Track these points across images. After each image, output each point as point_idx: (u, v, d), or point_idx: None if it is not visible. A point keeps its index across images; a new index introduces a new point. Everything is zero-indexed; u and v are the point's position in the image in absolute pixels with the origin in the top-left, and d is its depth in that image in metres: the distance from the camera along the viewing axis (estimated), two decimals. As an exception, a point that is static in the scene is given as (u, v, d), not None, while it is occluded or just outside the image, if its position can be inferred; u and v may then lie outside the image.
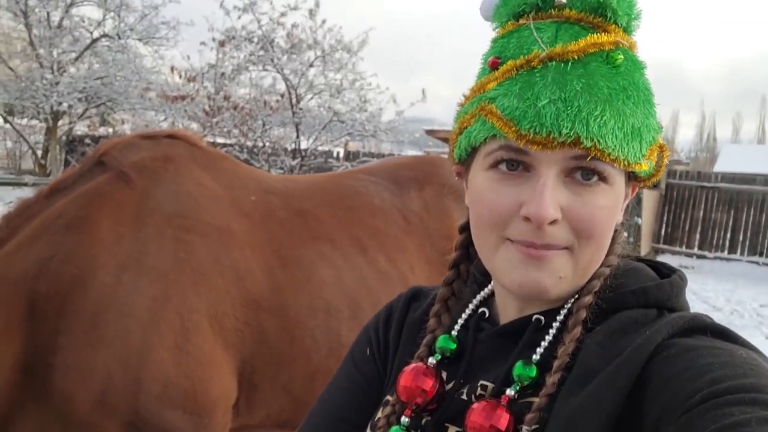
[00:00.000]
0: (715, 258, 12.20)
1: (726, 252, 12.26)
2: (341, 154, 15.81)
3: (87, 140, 17.10)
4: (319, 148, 14.93)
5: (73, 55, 14.48)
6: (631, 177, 0.72)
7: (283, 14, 13.55)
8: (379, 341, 0.88)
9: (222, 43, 13.54)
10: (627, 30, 0.70)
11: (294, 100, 13.89)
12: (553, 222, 0.65)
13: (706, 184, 12.52)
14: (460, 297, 0.84)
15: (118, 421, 1.57)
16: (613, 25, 0.68)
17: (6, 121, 15.50)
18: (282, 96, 14.22)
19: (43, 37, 13.90)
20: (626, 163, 0.66)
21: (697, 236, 12.55)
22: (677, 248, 12.65)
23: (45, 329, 1.55)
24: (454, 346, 0.77)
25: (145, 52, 15.31)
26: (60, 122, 15.18)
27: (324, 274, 1.93)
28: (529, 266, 0.67)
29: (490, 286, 0.82)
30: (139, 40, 14.76)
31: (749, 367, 0.56)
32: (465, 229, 0.83)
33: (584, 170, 0.66)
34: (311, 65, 14.05)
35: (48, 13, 14.11)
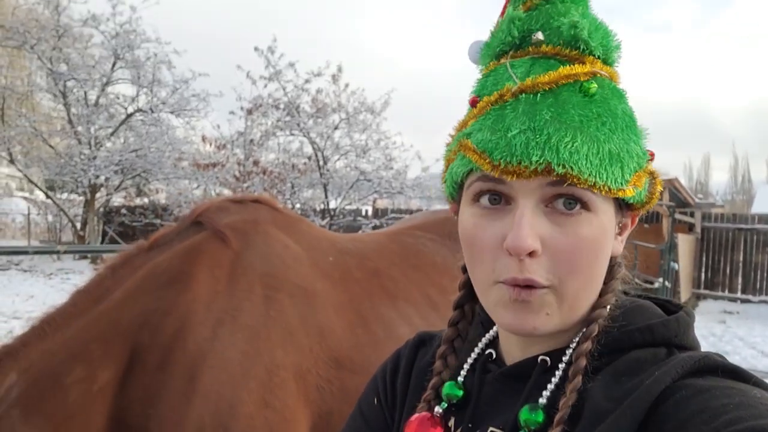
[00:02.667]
0: (761, 302, 11.78)
1: (771, 295, 11.83)
2: (369, 212, 15.93)
3: (123, 210, 17.63)
4: (347, 207, 15.10)
5: (110, 130, 15.11)
6: (623, 205, 0.70)
7: (307, 81, 14.03)
8: (386, 390, 0.86)
9: (250, 111, 13.99)
10: (606, 61, 0.70)
11: (321, 162, 14.18)
12: (533, 254, 0.64)
13: (743, 226, 12.23)
14: (466, 337, 0.82)
15: None
16: (590, 57, 0.68)
17: (48, 196, 16.10)
18: (309, 158, 14.53)
19: (81, 115, 14.56)
20: (607, 188, 0.64)
21: (740, 280, 12.18)
22: (719, 293, 12.26)
23: (145, 380, 1.58)
24: (460, 393, 0.75)
25: (177, 124, 15.92)
26: (97, 194, 15.72)
27: (402, 332, 1.96)
28: (517, 308, 0.66)
29: (496, 327, 0.80)
30: (171, 112, 15.35)
31: (765, 408, 0.54)
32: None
33: (566, 198, 0.64)
34: (336, 128, 14.40)
35: (85, 93, 14.84)
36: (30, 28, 13.86)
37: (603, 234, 0.67)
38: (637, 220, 0.74)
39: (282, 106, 14.00)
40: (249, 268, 1.79)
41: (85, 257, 15.69)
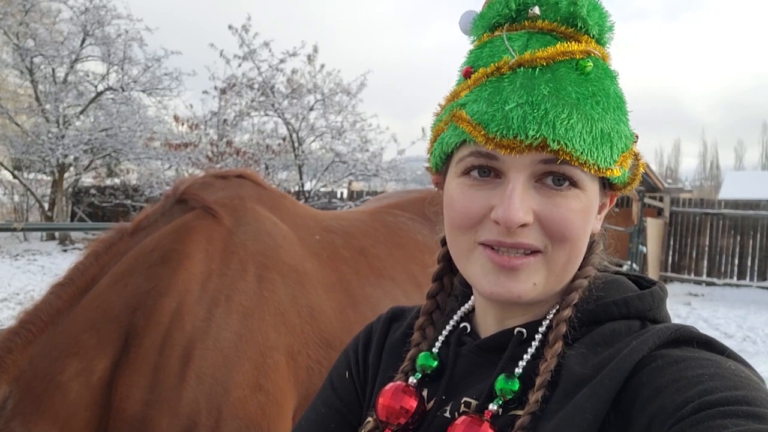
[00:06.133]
0: (725, 285, 12.11)
1: (735, 278, 12.19)
2: (345, 195, 15.90)
3: (93, 191, 17.31)
4: (322, 189, 15.04)
5: (79, 108, 14.73)
6: (607, 185, 0.72)
7: (282, 61, 13.86)
8: (358, 363, 0.87)
9: (224, 91, 13.79)
10: (599, 41, 0.71)
11: (296, 144, 14.06)
12: (524, 225, 0.65)
13: (710, 210, 12.52)
14: (445, 309, 0.83)
15: None
16: (585, 36, 0.69)
17: (14, 176, 15.68)
18: (284, 140, 14.40)
19: (48, 93, 14.16)
20: (597, 167, 0.65)
21: (705, 263, 12.49)
22: (686, 276, 12.57)
23: (143, 365, 1.52)
24: (434, 363, 0.76)
25: (148, 103, 15.63)
26: (66, 174, 15.36)
27: None
28: (500, 275, 0.66)
29: (471, 301, 0.81)
30: (143, 91, 15.04)
31: (739, 380, 0.56)
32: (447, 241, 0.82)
33: (555, 175, 0.66)
34: (312, 109, 14.28)
35: (53, 69, 14.41)
36: (-5, 2, 13.42)
37: (590, 209, 0.68)
38: (615, 200, 0.76)
39: (256, 86, 13.82)
40: (241, 246, 1.75)
41: (53, 238, 15.39)
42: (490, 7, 0.73)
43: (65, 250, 14.02)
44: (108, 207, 16.64)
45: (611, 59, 0.73)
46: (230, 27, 13.34)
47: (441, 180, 0.76)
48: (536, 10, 0.69)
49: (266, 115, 14.48)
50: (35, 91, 14.38)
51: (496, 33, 0.71)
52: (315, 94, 14.18)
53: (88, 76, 14.97)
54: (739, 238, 12.19)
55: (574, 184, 0.66)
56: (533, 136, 0.62)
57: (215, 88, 13.83)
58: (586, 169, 0.65)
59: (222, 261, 1.70)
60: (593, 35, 0.70)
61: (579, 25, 0.69)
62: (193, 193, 1.82)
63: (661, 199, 12.98)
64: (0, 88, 15.24)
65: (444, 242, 0.83)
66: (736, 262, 12.19)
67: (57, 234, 15.24)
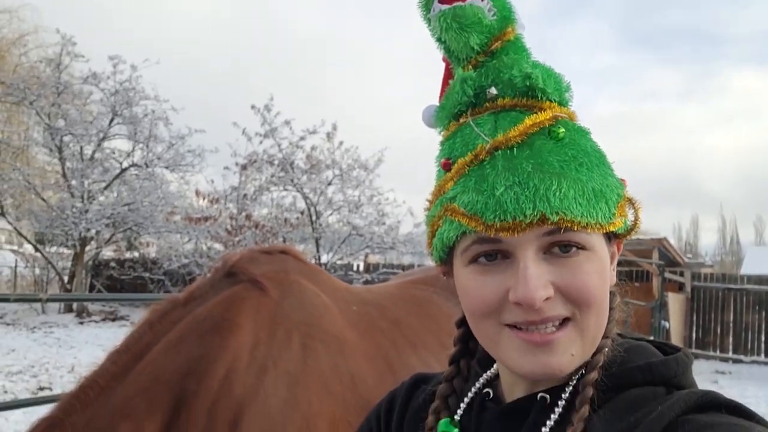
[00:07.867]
0: (752, 362, 11.72)
1: (763, 355, 11.79)
2: (361, 267, 15.90)
3: (112, 264, 17.51)
4: (339, 262, 15.07)
5: (103, 184, 15.12)
6: (611, 235, 0.71)
7: (302, 138, 14.25)
8: (380, 429, 0.86)
9: (244, 167, 14.13)
10: (562, 103, 0.72)
11: (314, 217, 14.24)
12: (547, 299, 0.64)
13: (733, 286, 12.30)
14: (468, 376, 0.82)
15: None
16: (548, 102, 0.70)
17: (36, 249, 15.97)
18: (302, 213, 14.59)
19: (75, 169, 14.60)
20: (598, 226, 0.65)
21: (731, 339, 12.15)
22: (711, 353, 12.21)
23: (192, 429, 1.55)
24: (455, 430, 0.75)
25: (171, 179, 16.00)
26: (87, 248, 15.60)
27: None
28: (537, 352, 0.65)
29: (494, 368, 0.80)
30: (166, 167, 15.44)
31: None
32: (463, 323, 0.82)
33: (561, 244, 0.65)
34: (330, 183, 14.55)
35: (81, 147, 14.90)
36: (30, 85, 14.05)
37: (604, 268, 0.68)
38: (622, 246, 0.75)
39: (276, 162, 14.16)
40: (286, 317, 1.83)
41: (71, 310, 15.45)
42: (447, 98, 0.74)
43: (81, 323, 14.04)
44: (126, 279, 16.79)
45: (577, 117, 0.74)
46: (253, 107, 13.85)
47: (448, 269, 0.76)
48: (493, 90, 0.70)
49: (285, 189, 14.77)
50: (63, 168, 14.84)
51: (462, 120, 0.72)
52: (333, 169, 14.49)
53: (114, 153, 15.46)
54: (764, 314, 11.89)
55: (581, 247, 0.66)
56: (531, 214, 0.63)
57: (236, 164, 14.21)
58: (589, 231, 0.65)
59: (269, 330, 1.77)
60: (554, 100, 0.71)
61: (539, 95, 0.70)
62: (242, 267, 1.92)
63: (681, 274, 12.80)
64: (29, 165, 15.78)
65: (459, 324, 0.83)
66: (763, 338, 11.84)
67: (74, 306, 15.33)
